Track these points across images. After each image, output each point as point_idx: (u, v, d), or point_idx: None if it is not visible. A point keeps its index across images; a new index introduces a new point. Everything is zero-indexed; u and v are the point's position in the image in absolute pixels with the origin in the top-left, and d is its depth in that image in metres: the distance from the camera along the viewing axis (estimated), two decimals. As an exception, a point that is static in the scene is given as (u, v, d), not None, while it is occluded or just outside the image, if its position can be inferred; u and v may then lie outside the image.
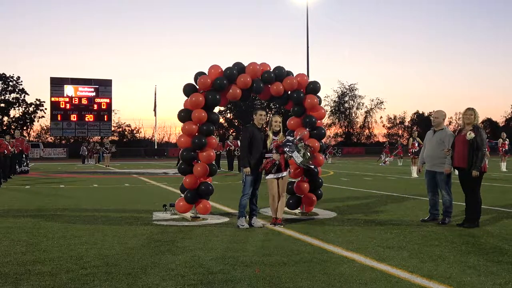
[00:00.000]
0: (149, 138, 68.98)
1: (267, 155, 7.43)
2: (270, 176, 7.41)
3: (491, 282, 4.37)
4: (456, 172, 7.68)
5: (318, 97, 8.63)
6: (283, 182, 7.49)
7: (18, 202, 10.59)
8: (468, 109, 7.53)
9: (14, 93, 62.40)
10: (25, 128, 63.37)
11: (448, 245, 6.01)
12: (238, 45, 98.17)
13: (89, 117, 53.56)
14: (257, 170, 7.40)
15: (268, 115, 8.19)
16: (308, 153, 7.49)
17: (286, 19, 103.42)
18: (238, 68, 7.97)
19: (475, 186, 7.34)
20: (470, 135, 7.20)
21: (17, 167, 20.74)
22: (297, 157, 7.34)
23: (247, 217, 7.49)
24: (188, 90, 7.98)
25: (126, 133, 69.21)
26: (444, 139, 7.72)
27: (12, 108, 62.82)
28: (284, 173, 7.46)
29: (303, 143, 7.48)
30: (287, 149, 7.31)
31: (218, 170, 12.23)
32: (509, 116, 79.17)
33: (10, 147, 17.36)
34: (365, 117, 77.02)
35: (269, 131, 7.55)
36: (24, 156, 21.94)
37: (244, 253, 5.51)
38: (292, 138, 7.56)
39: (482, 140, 7.25)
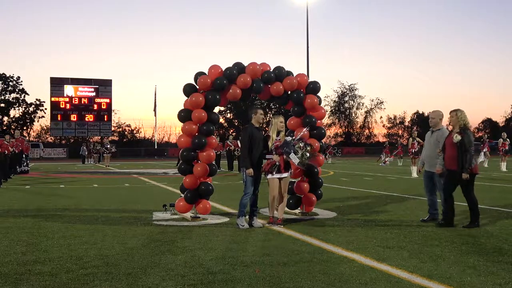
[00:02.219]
0: (149, 138, 69.10)
1: (267, 156, 7.42)
2: (271, 176, 7.41)
3: (491, 282, 4.37)
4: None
5: (318, 97, 8.63)
6: (284, 182, 7.49)
7: (18, 202, 10.59)
8: (451, 111, 7.52)
9: (14, 93, 62.46)
10: (25, 128, 63.38)
11: (448, 245, 6.01)
12: (238, 45, 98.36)
13: (89, 117, 53.55)
14: (257, 169, 7.39)
15: (268, 115, 8.18)
16: (307, 153, 7.48)
17: (286, 19, 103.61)
18: (238, 68, 7.97)
19: (467, 188, 7.31)
20: (457, 137, 7.17)
21: (17, 167, 20.74)
22: (294, 159, 7.34)
23: (247, 216, 7.49)
24: (188, 90, 7.98)
25: (126, 133, 69.19)
26: (440, 139, 7.72)
27: (12, 108, 62.85)
28: (285, 174, 7.46)
29: (301, 144, 7.46)
30: (285, 150, 7.31)
31: (218, 170, 12.23)
32: (509, 116, 79.20)
33: (10, 147, 17.35)
34: (365, 117, 77.08)
35: (271, 131, 7.55)
36: (24, 156, 21.94)
37: (244, 253, 5.51)
38: (291, 138, 7.55)
39: (470, 141, 7.19)
